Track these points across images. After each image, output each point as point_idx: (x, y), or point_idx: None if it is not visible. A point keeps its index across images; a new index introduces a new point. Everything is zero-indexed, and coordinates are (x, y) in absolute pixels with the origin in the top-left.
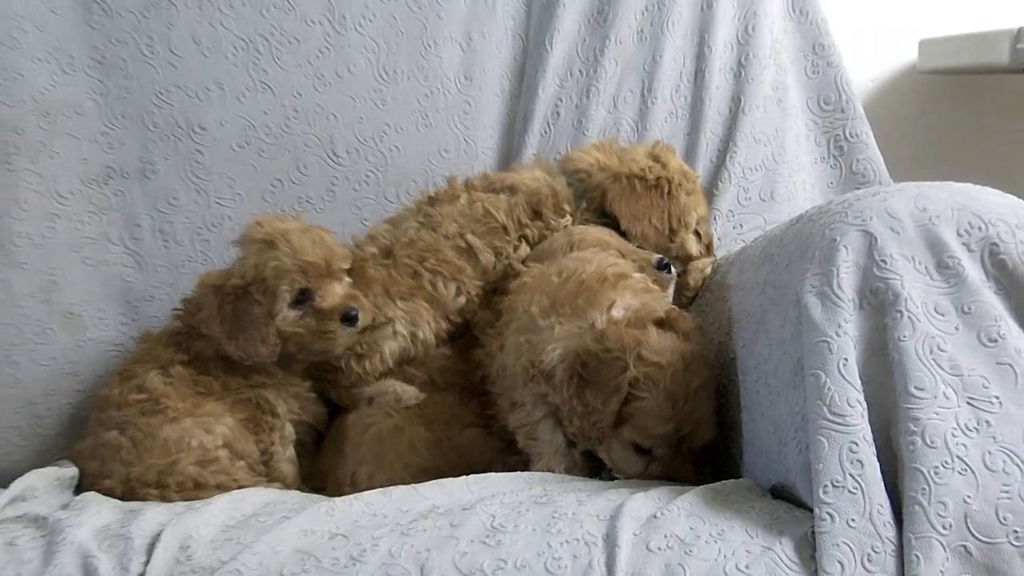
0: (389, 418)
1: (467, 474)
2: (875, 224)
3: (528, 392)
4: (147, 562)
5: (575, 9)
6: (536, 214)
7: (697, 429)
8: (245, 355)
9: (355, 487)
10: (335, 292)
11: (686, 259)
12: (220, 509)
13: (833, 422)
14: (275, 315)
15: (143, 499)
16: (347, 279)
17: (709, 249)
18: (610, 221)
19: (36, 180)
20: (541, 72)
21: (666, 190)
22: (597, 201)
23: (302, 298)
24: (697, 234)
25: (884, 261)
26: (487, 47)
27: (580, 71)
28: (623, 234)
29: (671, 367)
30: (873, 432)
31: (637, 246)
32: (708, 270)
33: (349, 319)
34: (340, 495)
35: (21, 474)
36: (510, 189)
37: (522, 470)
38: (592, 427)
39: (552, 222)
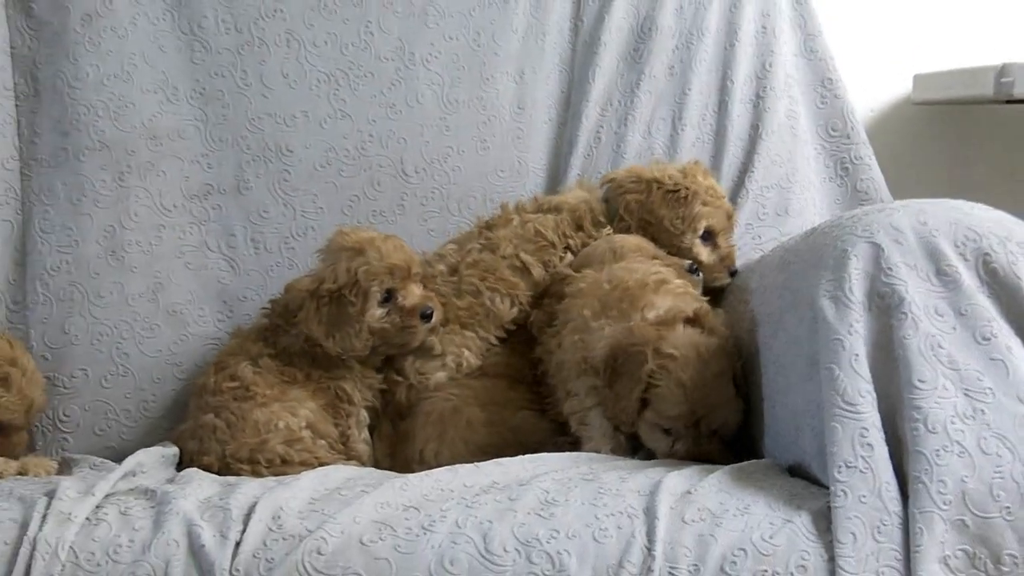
0: (448, 401)
1: (521, 452)
2: (881, 236)
3: (581, 383)
4: (243, 530)
5: (614, 48)
6: (578, 227)
7: (712, 412)
8: (342, 350)
9: (423, 463)
10: (415, 292)
11: (696, 265)
12: (307, 484)
13: (846, 410)
14: (366, 313)
15: (237, 475)
16: (420, 281)
17: (724, 260)
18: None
19: (145, 195)
20: (584, 102)
21: (682, 196)
22: (624, 209)
23: (388, 297)
24: (714, 244)
25: (890, 269)
26: (537, 80)
27: (619, 102)
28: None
29: (685, 358)
30: (881, 419)
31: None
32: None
33: (426, 316)
34: (409, 471)
35: (129, 452)
36: (555, 209)
37: (571, 450)
38: (621, 412)
39: (594, 233)
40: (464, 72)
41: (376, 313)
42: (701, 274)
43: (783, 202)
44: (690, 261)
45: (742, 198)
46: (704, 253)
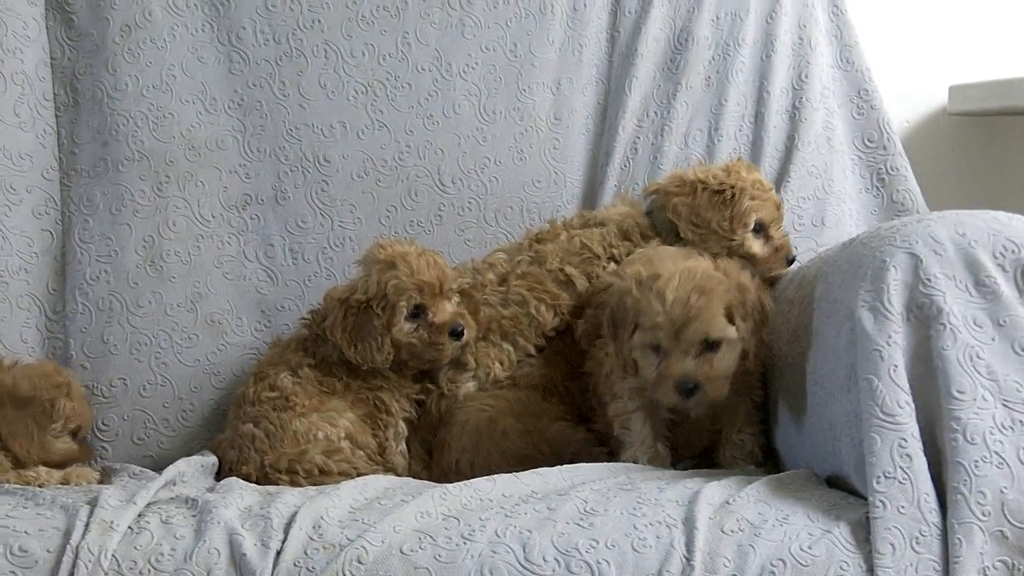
0: (483, 412)
1: (556, 463)
2: (920, 247)
3: (624, 386)
4: (284, 539)
5: (651, 59)
6: (625, 238)
7: (692, 322)
8: (363, 360)
9: (459, 473)
10: (446, 309)
11: (751, 259)
12: (347, 493)
13: (885, 421)
14: (392, 327)
15: (275, 484)
16: (456, 298)
17: (780, 251)
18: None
19: (184, 206)
20: (621, 113)
21: (728, 196)
22: (672, 213)
23: (417, 312)
24: (766, 236)
25: (928, 280)
26: (574, 91)
27: (655, 113)
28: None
29: (668, 276)
30: (920, 430)
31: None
32: None
33: (456, 334)
34: (446, 480)
35: (169, 461)
36: (601, 223)
37: (606, 460)
38: (624, 358)
39: (642, 245)
40: (501, 83)
41: (405, 327)
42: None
43: (819, 213)
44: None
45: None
46: (757, 246)
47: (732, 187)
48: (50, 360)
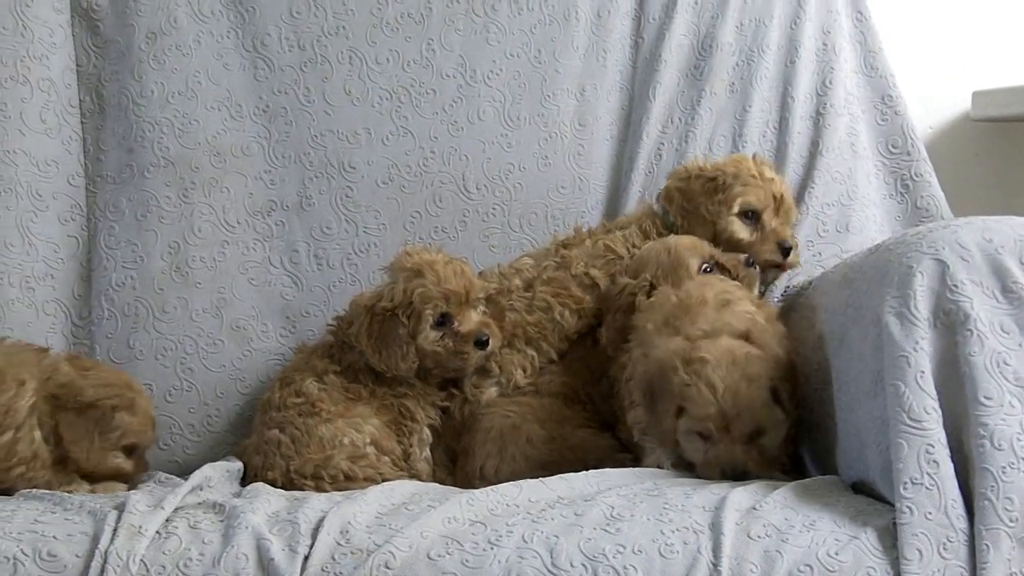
0: (507, 418)
1: (580, 468)
2: (947, 253)
3: (639, 382)
4: (312, 544)
5: (675, 65)
6: (646, 237)
7: (744, 414)
8: (387, 368)
9: (483, 478)
10: (471, 318)
11: (737, 244)
12: (374, 498)
13: (912, 427)
14: (417, 335)
15: (301, 490)
16: (482, 307)
17: (770, 237)
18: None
19: (209, 212)
20: (645, 119)
21: (720, 183)
22: (665, 199)
23: (442, 321)
24: (757, 223)
25: (955, 286)
26: (598, 98)
27: (679, 119)
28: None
29: (716, 361)
30: (947, 436)
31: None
32: None
33: (481, 343)
34: (470, 486)
35: (194, 467)
36: (622, 227)
37: (631, 466)
38: (664, 433)
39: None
40: (525, 89)
41: (431, 335)
42: (757, 267)
43: (844, 219)
44: (747, 255)
45: (802, 215)
46: (743, 231)
47: (726, 174)
48: (124, 375)
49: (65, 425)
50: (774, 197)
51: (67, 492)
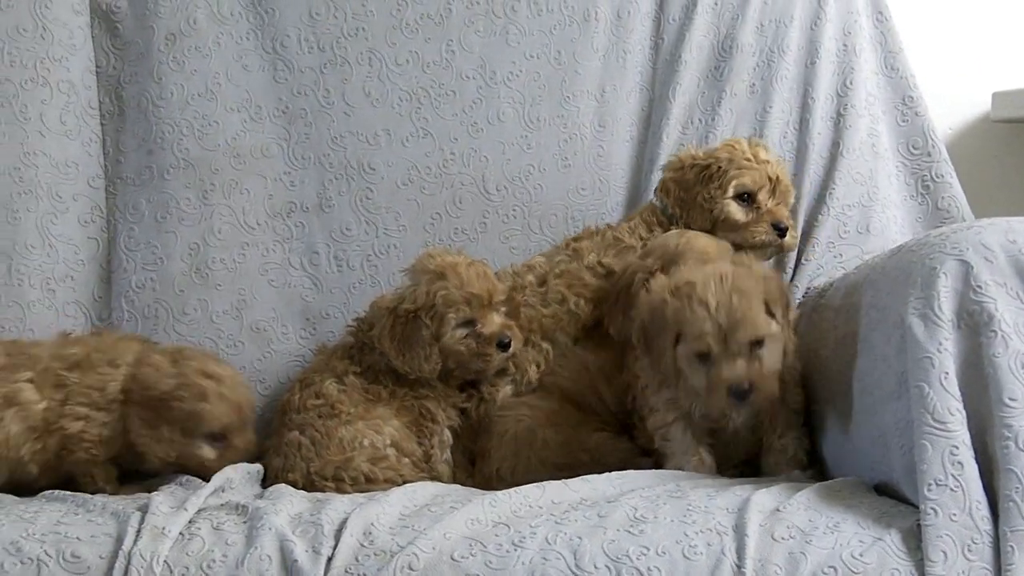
0: (521, 423)
1: (598, 471)
2: (971, 254)
3: (660, 397)
4: (335, 546)
5: (695, 66)
6: (650, 228)
7: (739, 325)
8: (411, 370)
9: (500, 479)
10: (494, 321)
11: (733, 225)
12: (397, 500)
13: (936, 428)
14: (440, 337)
15: (321, 491)
16: (503, 309)
17: (765, 216)
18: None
19: (229, 213)
20: (665, 121)
21: (714, 169)
22: (662, 191)
23: (466, 323)
24: (752, 203)
25: (979, 287)
26: (618, 99)
27: (699, 120)
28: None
29: (703, 282)
30: (971, 437)
31: (685, 224)
32: None
33: (503, 345)
34: (488, 487)
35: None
36: (628, 219)
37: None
38: (664, 374)
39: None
40: (545, 91)
41: (454, 336)
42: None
43: (864, 220)
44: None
45: (823, 216)
46: (739, 213)
47: (719, 160)
48: (210, 356)
49: (132, 418)
50: (769, 178)
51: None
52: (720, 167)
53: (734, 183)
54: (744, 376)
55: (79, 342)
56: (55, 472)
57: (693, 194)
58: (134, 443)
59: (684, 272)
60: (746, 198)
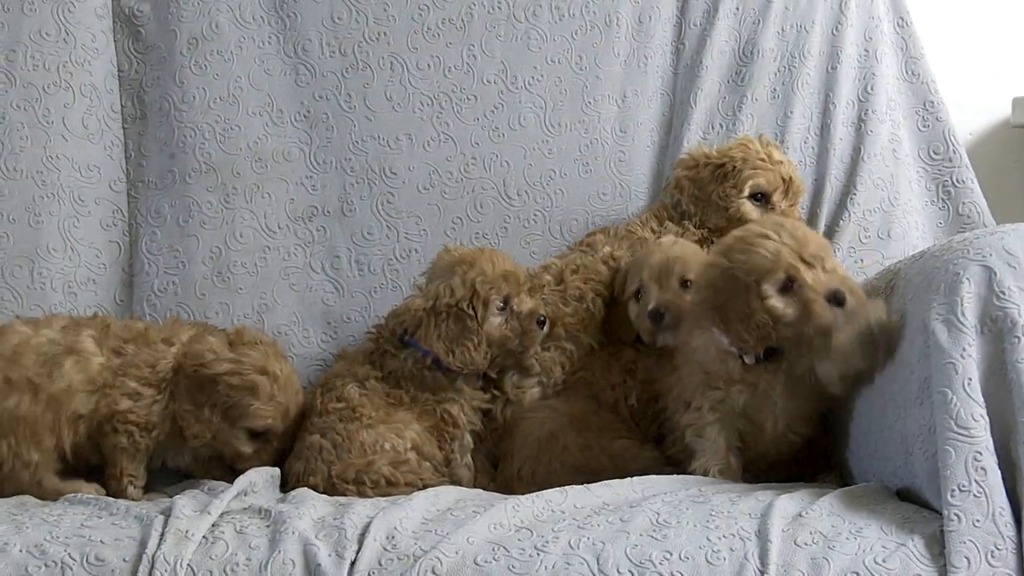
0: (544, 426)
1: (621, 477)
2: (994, 260)
3: (705, 398)
4: (359, 550)
5: (716, 71)
6: (660, 222)
7: (807, 239)
8: (463, 364)
9: (520, 480)
10: (527, 300)
11: (744, 223)
12: (420, 504)
13: (959, 434)
14: (485, 324)
15: (343, 495)
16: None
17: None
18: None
19: (251, 217)
20: (686, 126)
21: (729, 168)
22: (676, 188)
23: (503, 305)
24: (767, 204)
25: (1003, 292)
26: (639, 104)
27: (720, 125)
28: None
29: (746, 229)
30: (994, 443)
31: (698, 223)
32: None
33: (540, 322)
34: (509, 488)
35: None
36: (639, 216)
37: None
38: (758, 328)
39: (682, 231)
40: (567, 95)
41: (495, 322)
42: None
43: (885, 225)
44: None
45: (844, 221)
46: (754, 213)
47: (734, 159)
48: (271, 345)
49: (179, 391)
50: (783, 179)
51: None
52: (735, 166)
53: (750, 183)
54: (838, 284)
55: (140, 321)
56: (85, 456)
57: (708, 192)
58: (177, 421)
59: (723, 240)
60: (760, 198)
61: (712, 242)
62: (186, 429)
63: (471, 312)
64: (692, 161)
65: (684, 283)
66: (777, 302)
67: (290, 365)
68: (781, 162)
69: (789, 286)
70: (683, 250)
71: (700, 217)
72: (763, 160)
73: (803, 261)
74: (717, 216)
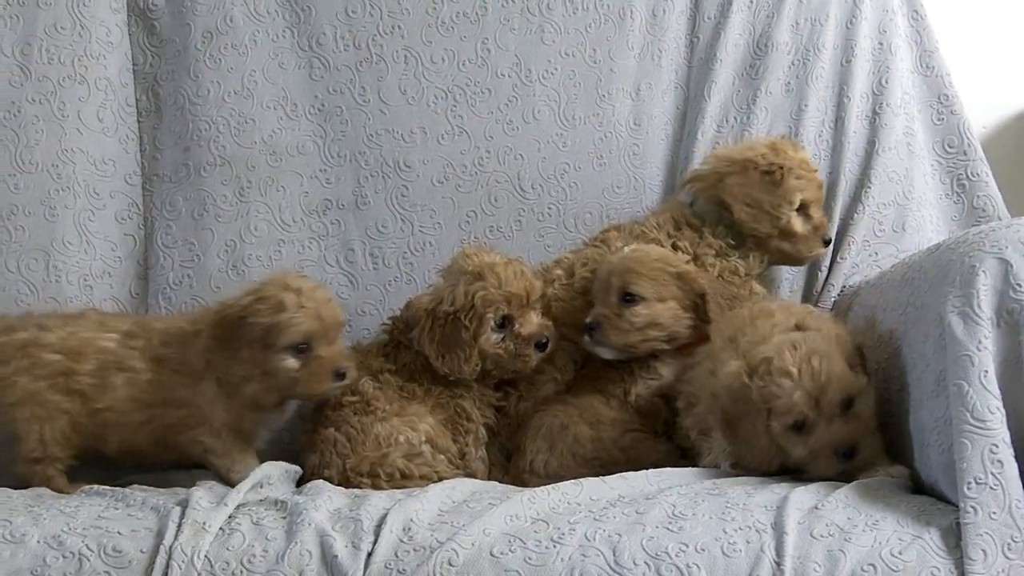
0: (555, 418)
1: (634, 470)
2: (1010, 252)
3: (711, 414)
4: (375, 541)
5: (730, 64)
6: (678, 228)
7: (827, 386)
8: (450, 371)
9: (532, 472)
10: (532, 321)
11: (792, 236)
12: (435, 496)
13: (975, 426)
14: (479, 338)
15: (357, 487)
16: (540, 308)
17: (818, 230)
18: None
19: (265, 210)
20: (700, 119)
21: (778, 177)
22: (713, 194)
23: (503, 324)
24: (806, 215)
25: (1019, 285)
26: (654, 97)
27: (735, 118)
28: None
29: (779, 353)
30: (1011, 435)
31: (750, 230)
32: None
33: (541, 346)
34: (521, 480)
35: None
36: (655, 215)
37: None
38: (760, 452)
39: (699, 237)
40: (581, 89)
41: (492, 338)
42: None
43: (900, 219)
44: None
45: (859, 214)
46: (799, 225)
47: (780, 167)
48: (291, 272)
49: (215, 347)
50: (819, 188)
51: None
52: (782, 174)
53: (799, 195)
54: (847, 436)
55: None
56: (166, 449)
57: (758, 200)
58: (223, 381)
59: (756, 350)
60: (800, 208)
61: (727, 257)
62: (234, 377)
63: (467, 324)
64: (738, 166)
65: (625, 296)
66: (785, 441)
67: (314, 282)
68: (815, 170)
69: (800, 428)
70: (634, 263)
71: (752, 227)
72: (804, 170)
73: (818, 408)
74: (770, 226)
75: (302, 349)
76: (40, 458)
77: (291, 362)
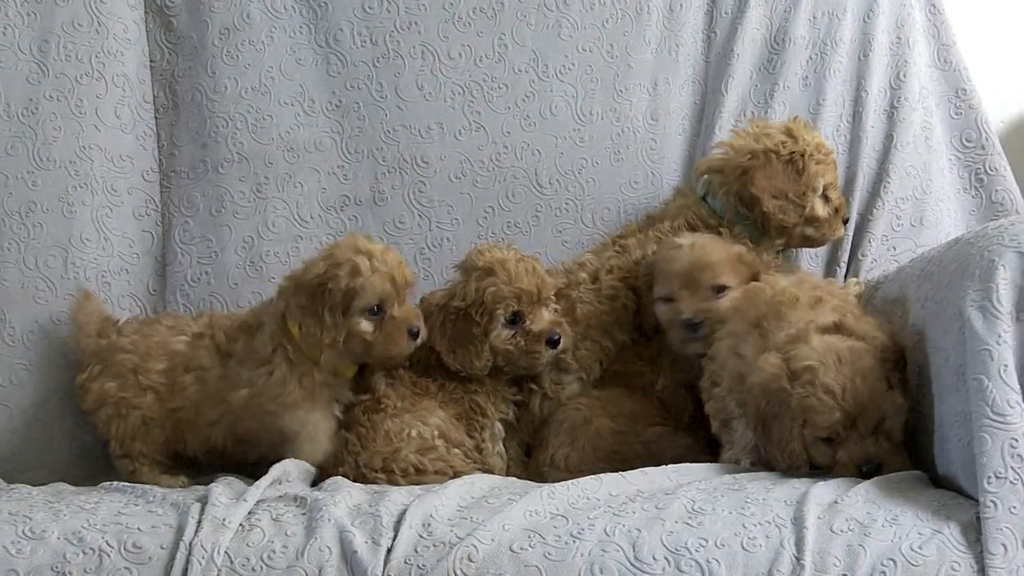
0: (578, 412)
1: (655, 464)
2: None
3: (732, 395)
4: (395, 537)
5: (747, 59)
6: (692, 228)
7: (866, 409)
8: (461, 367)
9: (553, 465)
10: (543, 317)
11: (814, 220)
12: (454, 492)
13: (995, 421)
14: (490, 334)
15: (373, 483)
16: (554, 305)
17: (838, 212)
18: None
19: (283, 207)
20: (718, 114)
21: (800, 165)
22: (735, 189)
23: (514, 320)
24: (826, 198)
25: None
26: (671, 92)
27: (752, 113)
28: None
29: (824, 364)
30: None
31: (778, 221)
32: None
33: (553, 342)
34: (540, 475)
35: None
36: (671, 217)
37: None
38: (792, 455)
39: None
40: (598, 84)
41: (503, 334)
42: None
43: (918, 213)
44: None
45: (877, 209)
46: (823, 210)
47: (801, 154)
48: (359, 234)
49: (293, 311)
50: (835, 169)
51: None
52: (804, 161)
53: (822, 180)
54: (875, 457)
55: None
56: (246, 446)
57: (784, 190)
58: (303, 345)
59: (799, 352)
60: (823, 192)
61: None
62: (315, 341)
63: (477, 320)
64: (760, 157)
65: (718, 289)
66: (813, 448)
67: (383, 244)
68: (831, 152)
69: (831, 440)
70: (710, 255)
71: (779, 215)
72: (822, 154)
73: (853, 427)
74: (796, 214)
75: (376, 312)
76: (123, 455)
77: (366, 324)
